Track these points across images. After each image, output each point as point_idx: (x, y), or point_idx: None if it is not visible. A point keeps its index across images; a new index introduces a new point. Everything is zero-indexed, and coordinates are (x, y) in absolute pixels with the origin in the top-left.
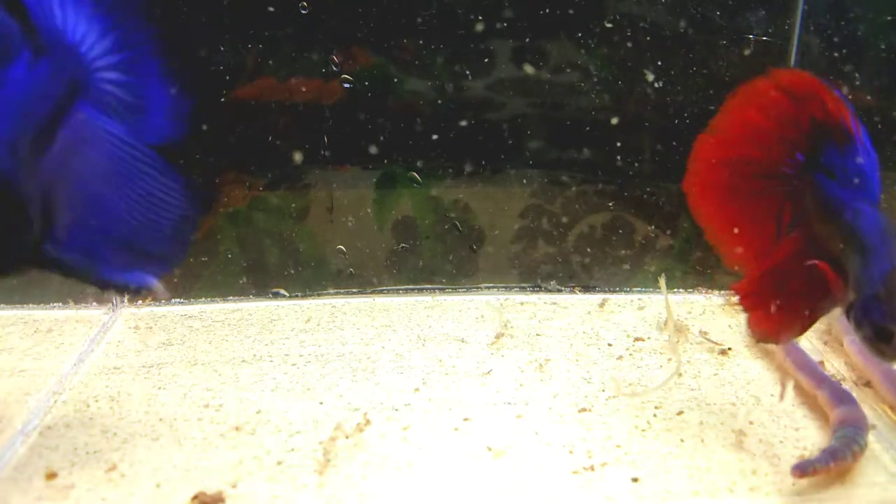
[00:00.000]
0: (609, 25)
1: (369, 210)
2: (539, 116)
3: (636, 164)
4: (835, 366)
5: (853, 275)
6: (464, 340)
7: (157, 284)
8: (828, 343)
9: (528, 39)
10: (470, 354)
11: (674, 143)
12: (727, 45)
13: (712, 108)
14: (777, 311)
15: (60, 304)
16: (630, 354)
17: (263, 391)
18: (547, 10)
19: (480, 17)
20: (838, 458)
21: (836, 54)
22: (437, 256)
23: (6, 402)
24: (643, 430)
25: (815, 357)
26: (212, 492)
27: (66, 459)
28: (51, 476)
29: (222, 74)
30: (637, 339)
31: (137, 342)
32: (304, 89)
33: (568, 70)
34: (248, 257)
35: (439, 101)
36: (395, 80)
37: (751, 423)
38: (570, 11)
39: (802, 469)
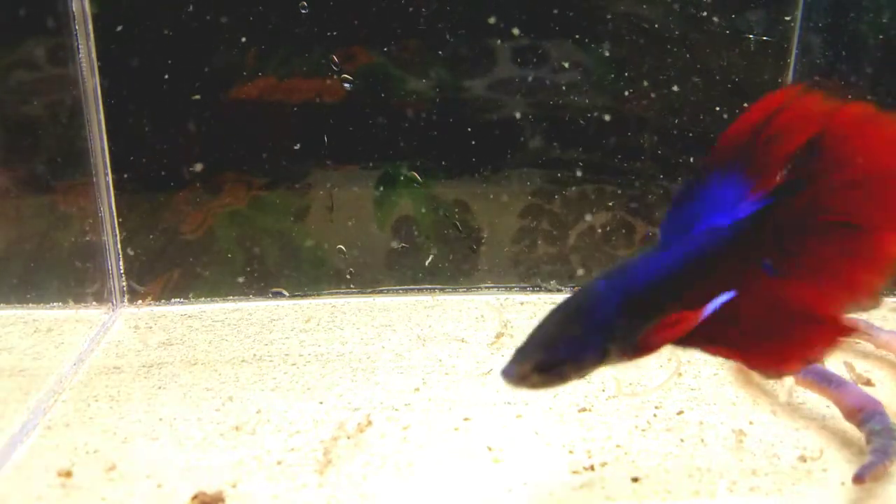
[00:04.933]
0: (609, 25)
1: (369, 210)
2: (539, 116)
3: (636, 164)
4: (835, 366)
5: None
6: (464, 340)
7: None
8: None
9: (528, 39)
10: (470, 354)
11: (674, 143)
12: (727, 45)
13: (712, 107)
14: None
15: (60, 304)
16: None
17: (263, 391)
18: (547, 10)
19: (481, 17)
20: (891, 454)
21: (836, 54)
22: (437, 256)
23: (6, 402)
24: (643, 430)
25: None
26: (212, 492)
27: (66, 459)
28: (65, 474)
29: (223, 74)
30: None
31: (137, 342)
32: (303, 89)
33: (568, 70)
34: (248, 257)
35: (439, 101)
36: (395, 79)
37: (751, 423)
38: (570, 11)
39: (862, 475)
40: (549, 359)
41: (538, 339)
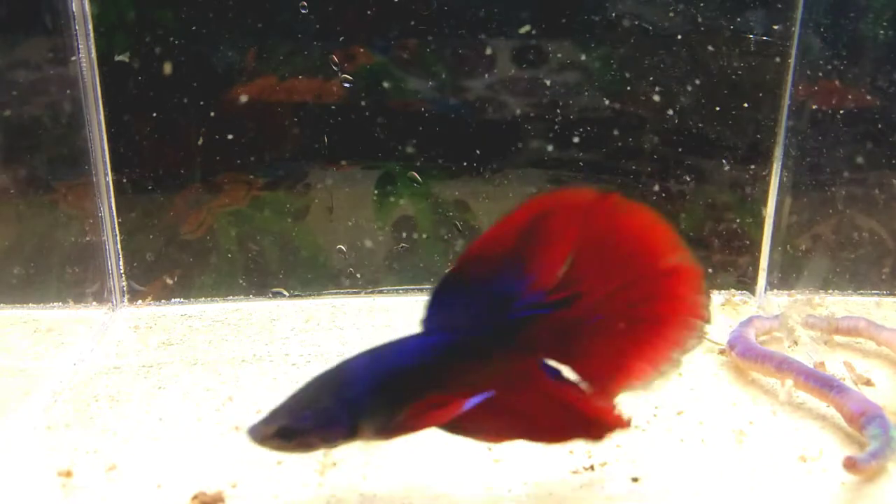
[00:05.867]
0: (608, 25)
1: (369, 210)
2: (539, 116)
3: (636, 164)
4: (835, 366)
5: None
6: None
7: None
8: (828, 343)
9: (528, 39)
10: None
11: (674, 143)
12: (727, 45)
13: (712, 107)
14: None
15: (60, 304)
16: None
17: (263, 391)
18: (547, 10)
19: (481, 17)
20: (879, 457)
21: (836, 54)
22: (437, 256)
23: (6, 402)
24: (643, 430)
25: (816, 358)
26: (212, 492)
27: (66, 459)
28: (66, 474)
29: (223, 74)
30: None
31: (137, 342)
32: (303, 89)
33: (568, 70)
34: (248, 257)
35: (439, 101)
36: (395, 79)
37: (751, 423)
38: (570, 11)
39: (858, 462)
40: (293, 426)
41: (290, 404)
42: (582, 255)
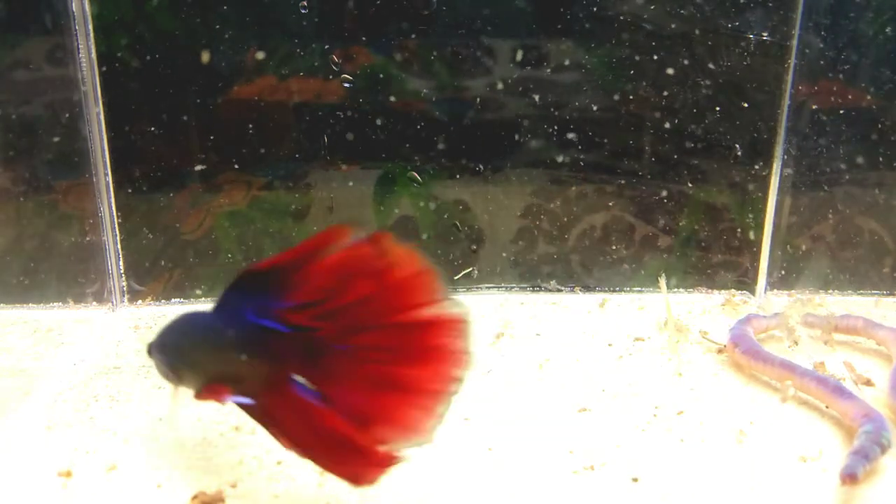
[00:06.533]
0: (608, 25)
1: (369, 210)
2: (539, 116)
3: (636, 164)
4: (835, 366)
5: None
6: None
7: None
8: (828, 343)
9: (528, 39)
10: None
11: (674, 143)
12: (727, 45)
13: (712, 107)
14: None
15: (60, 304)
16: (630, 354)
17: None
18: (547, 10)
19: (481, 17)
20: (871, 458)
21: (836, 54)
22: (437, 256)
23: (6, 402)
24: (643, 430)
25: (816, 357)
26: (212, 492)
27: (66, 459)
28: (66, 474)
29: (223, 73)
30: (637, 339)
31: (137, 342)
32: (303, 89)
33: (568, 70)
34: (248, 257)
35: (439, 101)
36: (395, 79)
37: (751, 423)
38: (570, 11)
39: (855, 473)
40: (154, 348)
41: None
42: (341, 287)
